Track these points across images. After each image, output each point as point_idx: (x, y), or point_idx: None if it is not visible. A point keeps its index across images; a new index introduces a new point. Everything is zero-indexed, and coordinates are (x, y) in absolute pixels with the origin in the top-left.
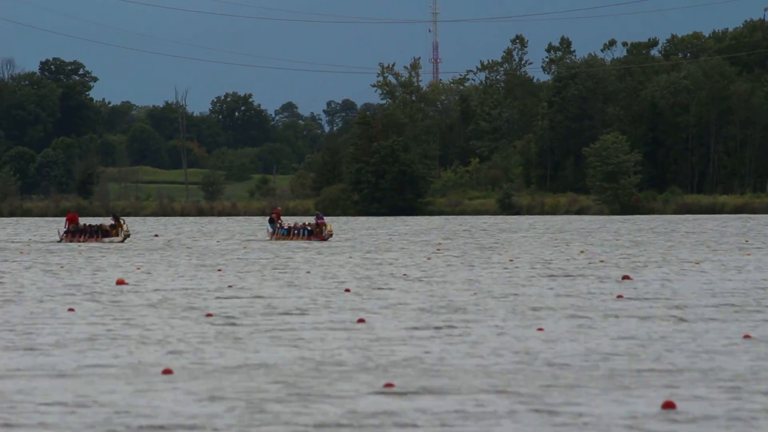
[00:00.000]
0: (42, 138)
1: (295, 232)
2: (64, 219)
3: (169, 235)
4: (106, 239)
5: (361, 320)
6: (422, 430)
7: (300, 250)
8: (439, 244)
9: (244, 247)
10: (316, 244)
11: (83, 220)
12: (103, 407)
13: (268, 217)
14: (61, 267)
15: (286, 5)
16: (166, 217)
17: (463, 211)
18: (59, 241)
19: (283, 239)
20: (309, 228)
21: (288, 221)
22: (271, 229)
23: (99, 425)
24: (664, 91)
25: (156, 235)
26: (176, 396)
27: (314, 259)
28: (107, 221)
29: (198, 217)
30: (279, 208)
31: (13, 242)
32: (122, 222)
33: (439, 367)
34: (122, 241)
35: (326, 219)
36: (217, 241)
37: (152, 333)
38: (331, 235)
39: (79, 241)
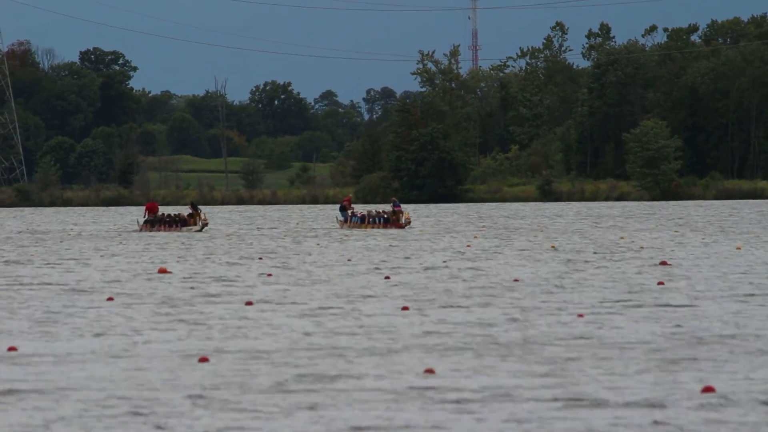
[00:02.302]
0: (82, 128)
1: (370, 220)
2: (143, 208)
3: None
4: (185, 228)
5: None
6: (462, 410)
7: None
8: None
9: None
10: (395, 231)
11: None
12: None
13: (338, 205)
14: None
15: None
16: (208, 206)
17: (503, 198)
18: (139, 231)
19: (357, 227)
20: (385, 215)
21: (359, 209)
22: (342, 218)
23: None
24: (704, 77)
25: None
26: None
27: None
28: (185, 210)
29: (238, 206)
30: (350, 195)
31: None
32: (200, 211)
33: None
34: (200, 230)
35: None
36: (257, 229)
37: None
38: (409, 222)
39: (158, 231)
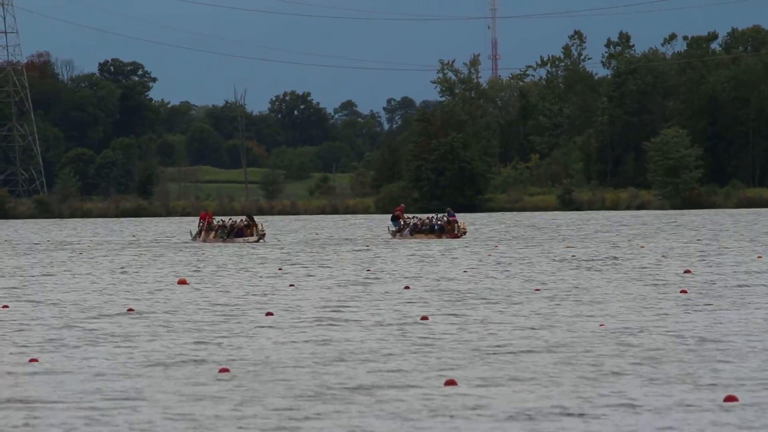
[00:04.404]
0: (101, 139)
1: (423, 228)
2: (197, 218)
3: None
4: (240, 239)
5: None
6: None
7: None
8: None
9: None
10: (449, 241)
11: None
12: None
13: (390, 215)
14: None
15: (344, 3)
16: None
17: (523, 207)
18: (192, 241)
19: (409, 237)
20: (439, 224)
21: (410, 218)
22: (394, 227)
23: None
24: (724, 85)
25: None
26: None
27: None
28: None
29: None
30: (402, 204)
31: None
32: (257, 222)
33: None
34: (257, 241)
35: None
36: (279, 243)
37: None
38: (464, 232)
39: (212, 241)
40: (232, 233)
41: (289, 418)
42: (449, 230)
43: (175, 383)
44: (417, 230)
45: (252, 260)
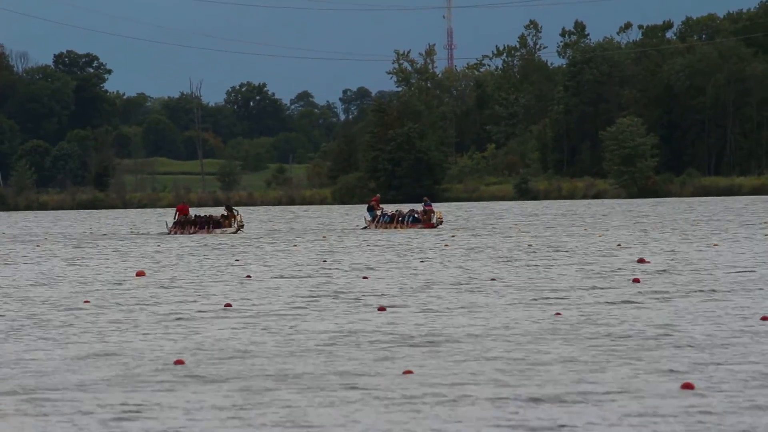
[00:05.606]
0: (57, 131)
1: (399, 219)
2: (173, 210)
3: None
4: (218, 230)
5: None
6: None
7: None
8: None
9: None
10: (425, 231)
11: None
12: None
13: (366, 206)
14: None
15: None
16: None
17: (480, 197)
18: (168, 233)
19: (386, 227)
20: (416, 215)
21: (387, 208)
22: (369, 218)
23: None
24: (679, 74)
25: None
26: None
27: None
28: (219, 212)
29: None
30: (378, 195)
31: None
32: (236, 213)
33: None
34: (235, 232)
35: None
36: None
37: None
38: (441, 222)
39: (189, 233)
40: (210, 225)
41: (242, 408)
42: (425, 220)
43: (129, 374)
44: (392, 220)
45: (211, 251)
